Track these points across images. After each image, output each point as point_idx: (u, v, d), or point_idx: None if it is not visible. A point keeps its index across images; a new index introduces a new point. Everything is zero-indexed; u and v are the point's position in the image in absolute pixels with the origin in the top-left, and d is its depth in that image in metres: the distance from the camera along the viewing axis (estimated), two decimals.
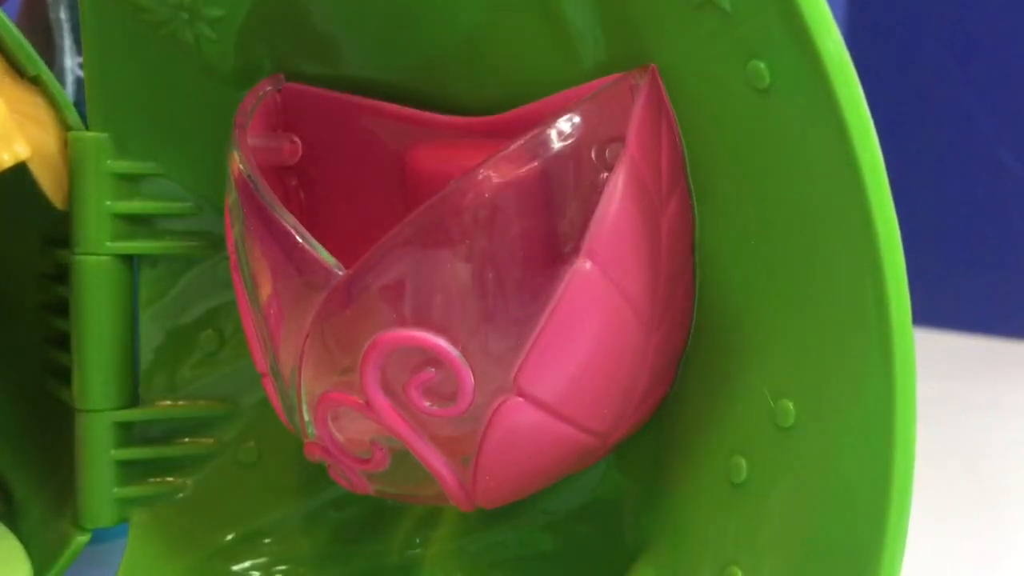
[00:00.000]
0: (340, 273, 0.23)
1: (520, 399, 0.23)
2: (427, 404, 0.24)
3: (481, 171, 0.23)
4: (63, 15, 0.38)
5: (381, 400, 0.24)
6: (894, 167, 0.20)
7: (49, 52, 0.38)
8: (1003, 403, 0.62)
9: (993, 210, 0.77)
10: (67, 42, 0.38)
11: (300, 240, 0.24)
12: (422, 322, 0.24)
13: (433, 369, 0.23)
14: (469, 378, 0.23)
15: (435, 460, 0.24)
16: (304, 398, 0.25)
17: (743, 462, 0.24)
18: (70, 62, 0.39)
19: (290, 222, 0.24)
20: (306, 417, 0.25)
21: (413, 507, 0.32)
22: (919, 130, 0.79)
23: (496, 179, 0.23)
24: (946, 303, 0.78)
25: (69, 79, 0.38)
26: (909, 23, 0.79)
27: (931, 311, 0.77)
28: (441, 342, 0.23)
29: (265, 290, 0.25)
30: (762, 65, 0.21)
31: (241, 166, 0.25)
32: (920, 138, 0.79)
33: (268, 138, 0.28)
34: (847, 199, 0.20)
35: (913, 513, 0.21)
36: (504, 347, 0.23)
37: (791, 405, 0.23)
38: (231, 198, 0.26)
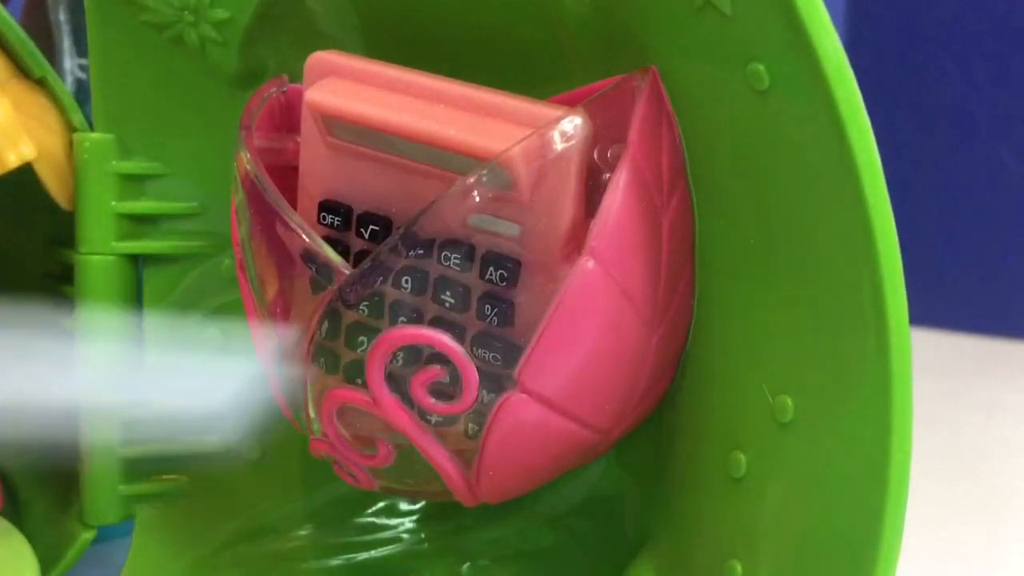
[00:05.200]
0: (346, 271, 0.24)
1: (524, 395, 0.24)
2: (432, 401, 0.24)
3: (485, 172, 0.23)
4: (63, 17, 0.38)
5: (387, 397, 0.24)
6: (894, 167, 0.20)
7: (49, 54, 0.38)
8: (1002, 403, 0.62)
9: (992, 210, 0.77)
10: (67, 44, 0.38)
11: (306, 239, 0.24)
12: (427, 320, 0.24)
13: (438, 366, 0.24)
14: (474, 375, 0.24)
15: (440, 456, 0.25)
16: (310, 395, 0.25)
17: (742, 457, 0.24)
18: (70, 64, 0.39)
19: (296, 221, 0.24)
20: (312, 414, 0.26)
21: (416, 503, 0.32)
22: (919, 130, 0.79)
23: (502, 176, 0.23)
24: (945, 303, 0.78)
25: (68, 80, 0.39)
26: (909, 24, 0.79)
27: (930, 311, 0.77)
28: (446, 339, 0.23)
29: (271, 288, 0.26)
30: (761, 67, 0.21)
31: (248, 166, 0.25)
32: (920, 138, 0.79)
33: (272, 139, 0.28)
34: (845, 199, 0.20)
35: (912, 512, 0.21)
36: (508, 344, 0.24)
37: (790, 401, 0.23)
38: (237, 198, 0.26)
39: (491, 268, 0.24)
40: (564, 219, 0.23)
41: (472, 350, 0.24)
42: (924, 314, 0.75)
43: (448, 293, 0.24)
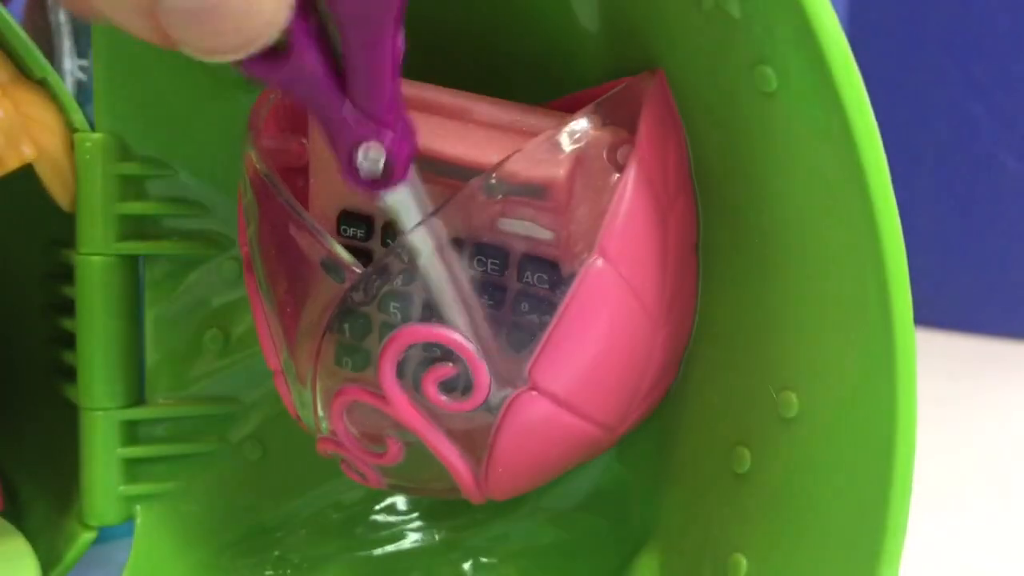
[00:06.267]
0: (358, 270, 0.24)
1: (534, 392, 0.24)
2: (443, 398, 0.24)
3: (494, 174, 0.23)
4: (63, 18, 0.38)
5: (398, 394, 0.24)
6: (895, 168, 0.20)
7: (49, 55, 0.38)
8: (1004, 403, 0.62)
9: (994, 210, 0.77)
10: (67, 45, 0.38)
11: (319, 238, 0.24)
12: (438, 318, 0.24)
13: (449, 363, 0.24)
14: (485, 372, 0.24)
15: (450, 453, 0.25)
16: (319, 394, 0.25)
17: (746, 452, 0.25)
18: (69, 64, 0.39)
19: (309, 220, 0.24)
20: (320, 412, 0.26)
21: (420, 501, 0.32)
22: (920, 131, 0.79)
23: (509, 180, 0.23)
24: (947, 303, 0.78)
25: (68, 81, 0.39)
26: (910, 25, 0.79)
27: (932, 311, 0.77)
28: (457, 337, 0.24)
29: (280, 288, 0.26)
30: (769, 70, 0.21)
31: (258, 166, 0.25)
32: (921, 139, 0.79)
33: (277, 140, 0.28)
34: (851, 199, 0.21)
35: (916, 511, 0.21)
36: (518, 342, 0.24)
37: (794, 397, 0.23)
38: (246, 198, 0.26)
39: (528, 271, 0.24)
40: (584, 220, 0.24)
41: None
42: (926, 314, 0.75)
43: (485, 296, 0.24)
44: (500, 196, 0.23)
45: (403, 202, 0.22)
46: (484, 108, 0.25)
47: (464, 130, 0.25)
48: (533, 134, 0.24)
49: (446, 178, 0.25)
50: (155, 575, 0.30)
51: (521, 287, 0.24)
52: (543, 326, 0.24)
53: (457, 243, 0.24)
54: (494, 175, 0.23)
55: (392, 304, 0.24)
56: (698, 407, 0.27)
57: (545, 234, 0.24)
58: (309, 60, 0.21)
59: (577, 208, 0.24)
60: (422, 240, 0.23)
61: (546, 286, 0.24)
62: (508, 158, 0.23)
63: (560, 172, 0.23)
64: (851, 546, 0.21)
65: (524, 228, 0.24)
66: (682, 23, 0.23)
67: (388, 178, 0.22)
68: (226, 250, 0.32)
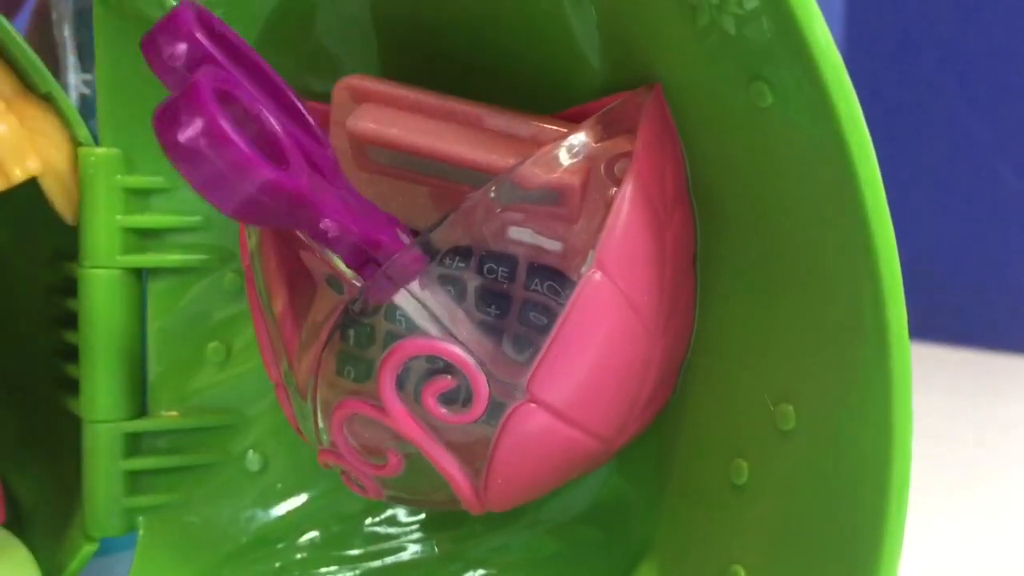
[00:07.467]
0: (357, 284, 0.24)
1: (533, 405, 0.24)
2: (443, 411, 0.24)
3: (493, 188, 0.23)
4: (67, 33, 0.39)
5: (398, 407, 0.24)
6: (892, 181, 0.21)
7: (53, 70, 0.38)
8: (1001, 417, 0.62)
9: (990, 224, 0.77)
10: (71, 60, 0.39)
11: (318, 251, 0.24)
12: (438, 330, 0.24)
13: (449, 376, 0.24)
14: (484, 385, 0.24)
15: (449, 465, 0.25)
16: (319, 406, 0.26)
17: (744, 465, 0.25)
18: (74, 79, 0.39)
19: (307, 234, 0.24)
20: (320, 424, 0.26)
21: (420, 512, 0.32)
22: (917, 144, 0.79)
23: (523, 185, 0.23)
24: (944, 317, 0.78)
25: (72, 96, 0.39)
26: (907, 39, 0.80)
27: (929, 325, 0.77)
28: (457, 350, 0.24)
29: (280, 300, 0.26)
30: (764, 85, 0.21)
31: None
32: (918, 152, 0.80)
33: None
34: (846, 213, 0.21)
35: (912, 524, 0.21)
36: (517, 354, 0.24)
37: (791, 409, 0.23)
38: None
39: (536, 280, 0.24)
40: (582, 233, 0.24)
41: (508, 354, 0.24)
42: (923, 328, 0.75)
43: (492, 305, 0.24)
44: (510, 202, 0.24)
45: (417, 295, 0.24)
46: (492, 116, 0.25)
47: (475, 135, 0.25)
48: (542, 143, 0.24)
49: (456, 182, 0.25)
50: None
51: (528, 296, 0.24)
52: (546, 336, 0.24)
53: (465, 251, 0.24)
54: (507, 179, 0.23)
55: (398, 313, 0.24)
56: (696, 419, 0.27)
57: (554, 244, 0.24)
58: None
59: (579, 220, 0.24)
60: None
61: (554, 295, 0.24)
62: (522, 162, 0.23)
63: (575, 180, 0.23)
64: (849, 558, 0.22)
65: (533, 237, 0.24)
66: (678, 39, 0.23)
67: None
68: (228, 263, 0.32)
